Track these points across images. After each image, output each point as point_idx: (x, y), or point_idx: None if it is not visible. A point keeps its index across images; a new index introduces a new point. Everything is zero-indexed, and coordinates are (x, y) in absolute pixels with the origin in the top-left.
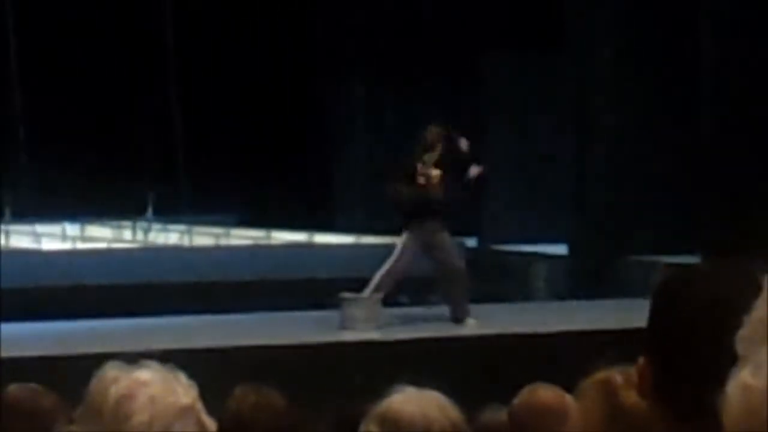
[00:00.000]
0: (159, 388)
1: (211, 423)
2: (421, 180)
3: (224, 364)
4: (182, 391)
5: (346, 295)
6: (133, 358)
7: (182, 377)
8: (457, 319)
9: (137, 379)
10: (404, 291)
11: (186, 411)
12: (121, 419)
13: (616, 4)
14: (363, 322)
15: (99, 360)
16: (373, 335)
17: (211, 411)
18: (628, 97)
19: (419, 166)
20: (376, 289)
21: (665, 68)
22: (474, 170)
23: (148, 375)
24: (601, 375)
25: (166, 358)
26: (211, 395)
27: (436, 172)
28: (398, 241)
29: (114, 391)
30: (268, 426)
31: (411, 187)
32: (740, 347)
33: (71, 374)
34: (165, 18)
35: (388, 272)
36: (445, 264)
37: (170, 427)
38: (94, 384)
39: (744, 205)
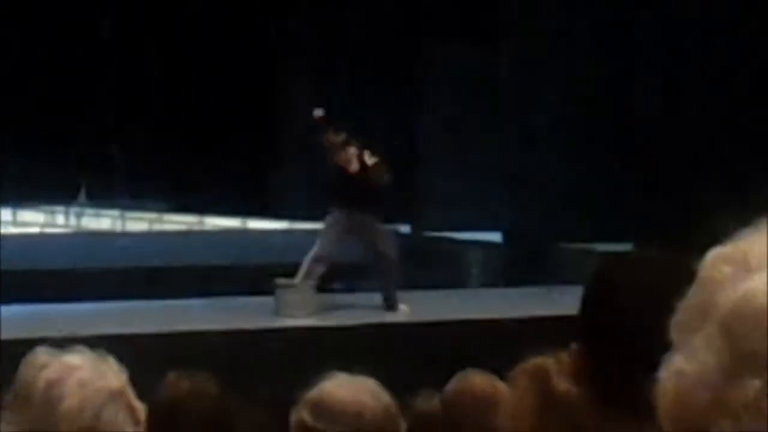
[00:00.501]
0: (88, 372)
1: (141, 407)
2: (344, 163)
3: (157, 350)
4: (112, 375)
5: (280, 281)
6: (62, 343)
7: (112, 361)
8: (389, 306)
9: (66, 364)
10: (337, 277)
11: (116, 395)
12: (51, 404)
13: None
14: (297, 309)
15: (31, 345)
16: (307, 321)
17: (143, 397)
18: (565, 85)
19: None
20: (307, 275)
21: (603, 57)
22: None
23: (78, 359)
24: (533, 361)
25: (96, 343)
26: (143, 381)
27: (353, 159)
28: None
29: (43, 376)
30: (202, 412)
31: (335, 170)
32: (674, 334)
33: (3, 359)
34: (104, 4)
35: (316, 257)
36: (375, 253)
37: (100, 411)
38: (23, 370)
39: (676, 194)
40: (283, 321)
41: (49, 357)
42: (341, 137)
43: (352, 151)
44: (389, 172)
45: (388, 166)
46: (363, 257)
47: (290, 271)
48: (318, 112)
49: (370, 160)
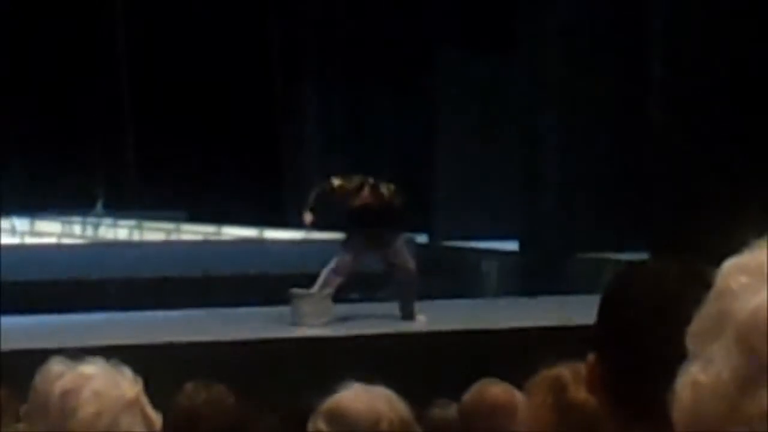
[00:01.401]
0: (104, 382)
1: (156, 416)
2: (361, 204)
3: (173, 360)
4: (127, 384)
5: (296, 291)
6: (76, 354)
7: (127, 371)
8: (406, 316)
9: (82, 374)
10: (354, 287)
11: (131, 404)
12: (67, 414)
13: (568, 6)
14: (313, 318)
15: (49, 355)
16: (323, 331)
17: (160, 407)
18: (578, 96)
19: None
20: (325, 285)
21: (615, 68)
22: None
23: (93, 369)
24: (550, 371)
25: (113, 353)
26: (160, 391)
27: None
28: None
29: (59, 386)
30: (219, 422)
31: (353, 209)
32: (690, 343)
33: (19, 369)
34: (116, 15)
35: (335, 269)
36: (394, 265)
37: (116, 420)
38: (39, 380)
39: (691, 204)
40: (299, 331)
41: (64, 367)
42: (353, 183)
43: (366, 190)
44: (404, 196)
45: (401, 191)
46: (381, 268)
47: (306, 280)
48: (308, 218)
49: (384, 189)
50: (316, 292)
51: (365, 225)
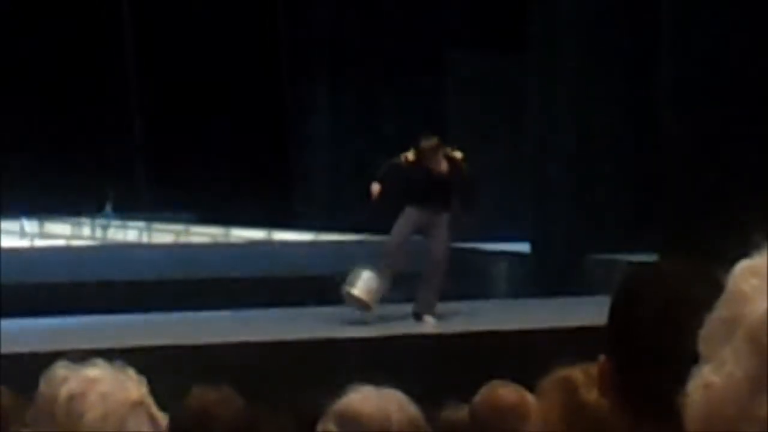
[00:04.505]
0: (109, 384)
1: (162, 417)
2: (434, 165)
3: (181, 362)
4: (132, 386)
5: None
6: (81, 357)
7: (131, 373)
8: (418, 314)
9: (87, 377)
10: None
11: (138, 406)
12: (74, 418)
13: (580, 5)
14: (367, 290)
15: (57, 358)
16: (331, 333)
17: (167, 408)
18: (590, 98)
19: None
20: (388, 265)
21: (627, 69)
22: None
23: (98, 372)
24: (561, 373)
25: (120, 355)
26: (167, 392)
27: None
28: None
29: (65, 390)
30: (227, 424)
31: (421, 172)
32: (702, 346)
33: (27, 372)
34: (123, 14)
35: (389, 251)
36: (431, 255)
37: (123, 422)
38: (44, 385)
39: (702, 205)
40: (305, 333)
41: (69, 371)
42: (433, 142)
43: (441, 153)
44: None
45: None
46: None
47: (315, 283)
48: (375, 188)
49: (456, 153)
50: (380, 269)
51: (427, 183)
